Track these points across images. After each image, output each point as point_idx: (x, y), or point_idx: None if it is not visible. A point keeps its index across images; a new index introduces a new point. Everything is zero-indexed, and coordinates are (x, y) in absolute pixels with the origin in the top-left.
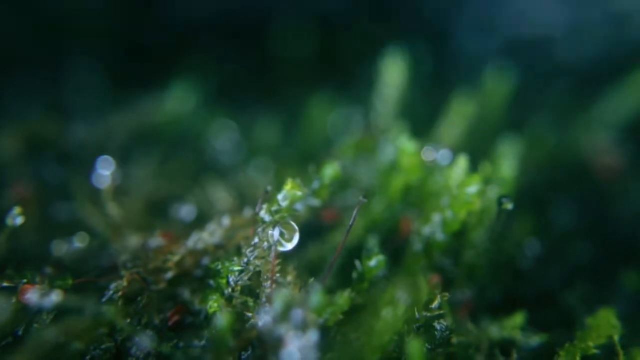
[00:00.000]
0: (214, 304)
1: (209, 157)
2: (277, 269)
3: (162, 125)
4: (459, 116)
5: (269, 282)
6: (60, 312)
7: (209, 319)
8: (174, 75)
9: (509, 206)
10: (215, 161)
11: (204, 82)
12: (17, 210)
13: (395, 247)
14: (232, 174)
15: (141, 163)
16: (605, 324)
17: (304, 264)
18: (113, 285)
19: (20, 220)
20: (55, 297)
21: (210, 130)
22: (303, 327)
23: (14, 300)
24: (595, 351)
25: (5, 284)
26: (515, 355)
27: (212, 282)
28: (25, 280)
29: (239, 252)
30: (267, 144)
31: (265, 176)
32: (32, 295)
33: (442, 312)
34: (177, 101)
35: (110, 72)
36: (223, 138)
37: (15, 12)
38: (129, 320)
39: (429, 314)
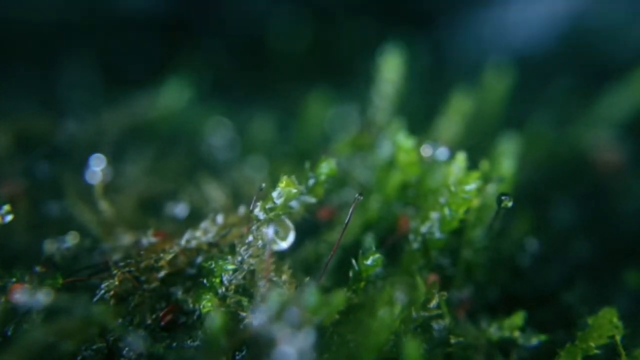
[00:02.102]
0: (207, 303)
1: (203, 154)
2: (272, 267)
3: (156, 122)
4: (457, 113)
5: (264, 281)
6: (50, 312)
7: (202, 318)
8: (168, 71)
9: (509, 204)
10: (210, 158)
11: (199, 78)
12: (6, 207)
13: (392, 245)
14: (226, 171)
15: (134, 160)
16: (607, 324)
17: (299, 263)
18: (104, 284)
19: (9, 218)
20: (45, 297)
21: (205, 127)
22: (298, 327)
23: (2, 299)
24: (596, 351)
25: None
26: (514, 356)
27: (205, 280)
28: (14, 279)
29: (232, 250)
30: (263, 141)
31: (260, 173)
32: (21, 295)
33: (439, 311)
34: (171, 97)
35: (103, 68)
36: (217, 135)
37: (9, 9)
38: (120, 320)
39: (426, 314)
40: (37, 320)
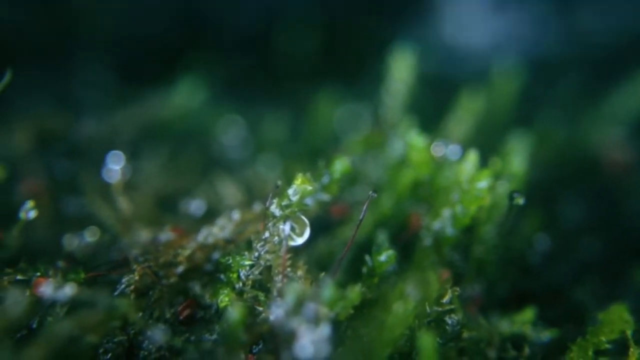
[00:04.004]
0: (225, 298)
1: (216, 153)
2: (288, 263)
3: (170, 121)
4: (467, 112)
5: (280, 276)
6: (72, 306)
7: (220, 313)
8: (182, 71)
9: (520, 201)
10: (223, 156)
11: (211, 78)
12: (30, 203)
13: (405, 242)
14: (239, 169)
15: (150, 158)
16: (618, 319)
17: (314, 259)
18: (124, 279)
19: (33, 214)
20: (70, 290)
21: (218, 126)
22: (315, 321)
23: (27, 293)
24: (607, 346)
25: (19, 277)
26: (526, 350)
27: (222, 276)
28: (38, 274)
29: (249, 246)
30: (275, 140)
31: (272, 171)
32: (46, 288)
33: (452, 306)
34: (185, 97)
35: (118, 67)
36: (230, 134)
37: (24, 7)
38: (140, 314)
39: (439, 309)
40: (61, 314)
